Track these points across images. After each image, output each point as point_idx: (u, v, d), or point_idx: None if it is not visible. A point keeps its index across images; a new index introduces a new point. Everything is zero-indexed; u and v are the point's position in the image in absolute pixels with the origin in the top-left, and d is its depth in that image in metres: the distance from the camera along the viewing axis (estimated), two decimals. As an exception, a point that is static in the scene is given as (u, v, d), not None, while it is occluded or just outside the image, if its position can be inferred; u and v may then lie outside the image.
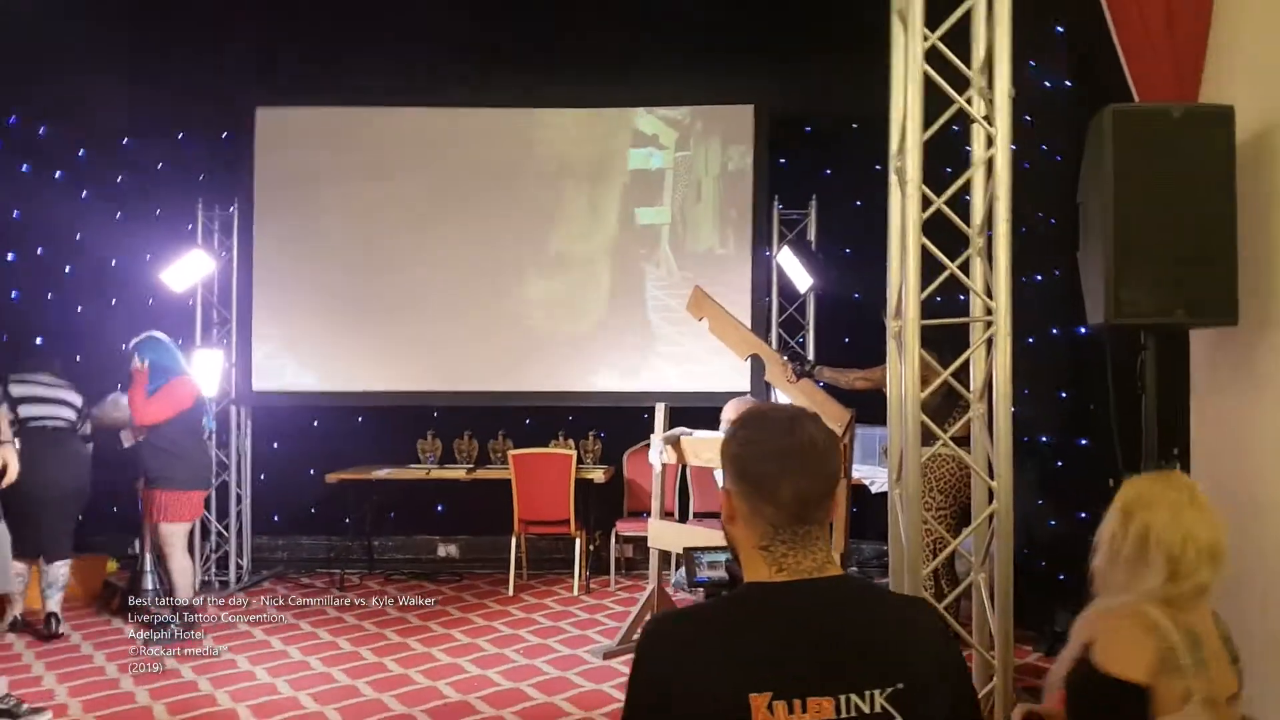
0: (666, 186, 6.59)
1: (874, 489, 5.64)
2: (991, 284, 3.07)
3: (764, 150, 6.38)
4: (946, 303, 3.55)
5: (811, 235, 6.47)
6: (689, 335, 6.41)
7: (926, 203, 3.08)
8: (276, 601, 5.67)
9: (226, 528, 6.53)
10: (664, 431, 4.91)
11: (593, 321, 6.63)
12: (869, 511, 5.92)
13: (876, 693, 1.23)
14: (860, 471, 5.77)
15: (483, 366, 6.63)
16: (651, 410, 5.04)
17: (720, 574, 1.69)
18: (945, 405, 3.86)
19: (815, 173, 6.63)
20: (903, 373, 3.07)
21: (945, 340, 3.39)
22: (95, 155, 6.81)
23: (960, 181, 3.14)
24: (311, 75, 6.57)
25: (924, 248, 3.02)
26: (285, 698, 4.25)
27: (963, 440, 3.29)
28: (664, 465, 4.88)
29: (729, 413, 4.62)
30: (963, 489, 4.18)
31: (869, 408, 5.52)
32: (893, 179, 3.18)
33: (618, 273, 6.62)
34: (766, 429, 1.36)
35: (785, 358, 4.63)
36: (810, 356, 6.30)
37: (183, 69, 6.29)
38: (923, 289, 3.02)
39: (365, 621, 5.45)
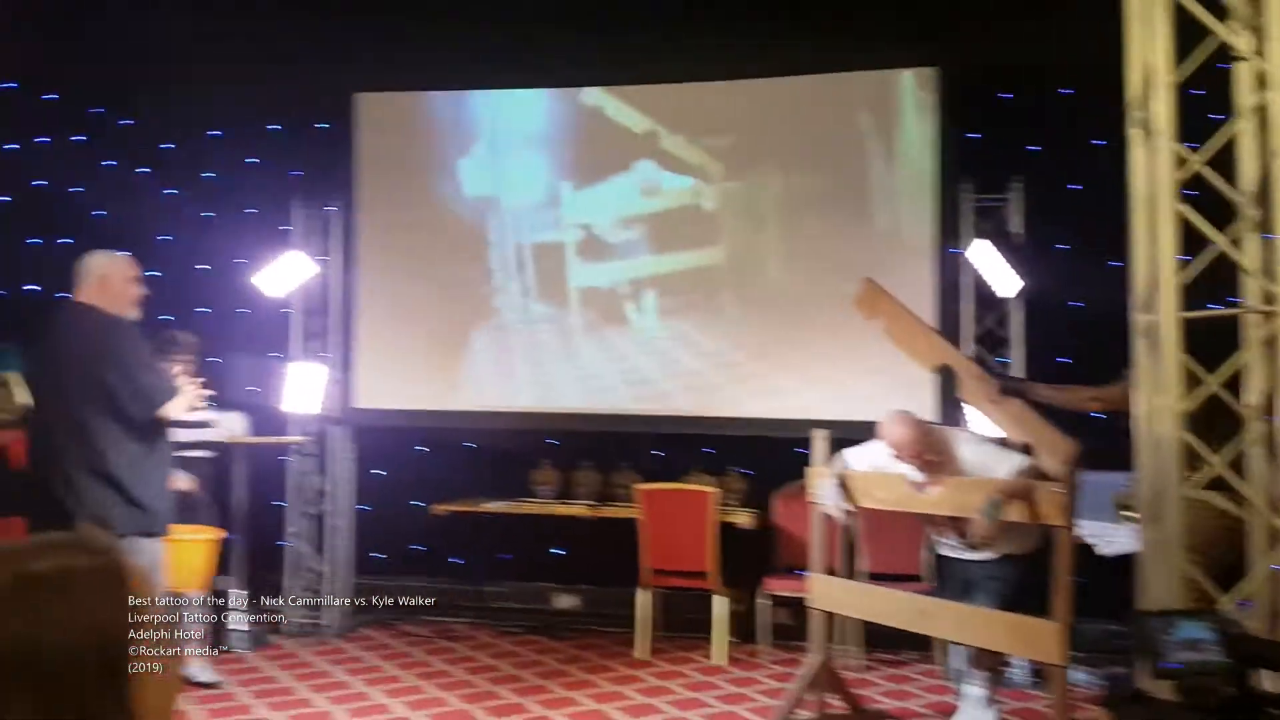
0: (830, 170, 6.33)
1: (1099, 550, 5.15)
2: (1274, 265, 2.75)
3: (949, 122, 6.07)
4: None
5: (1015, 226, 6.09)
6: (857, 357, 6.11)
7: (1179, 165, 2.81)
8: (378, 649, 5.75)
9: (322, 564, 6.62)
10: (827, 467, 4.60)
11: (747, 335, 6.41)
12: (1093, 582, 5.44)
13: None
14: (1084, 528, 5.29)
15: (607, 386, 6.56)
16: (806, 443, 4.78)
17: (1204, 656, 1.27)
18: (1201, 431, 3.49)
19: (1017, 149, 6.28)
20: (1158, 379, 2.78)
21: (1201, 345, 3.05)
22: (182, 149, 7.08)
23: (1224, 135, 2.85)
24: (418, 55, 6.64)
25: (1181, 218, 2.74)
26: (387, 760, 4.21)
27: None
28: (845, 512, 4.52)
29: (894, 432, 4.22)
30: (1220, 544, 3.78)
31: (1094, 449, 5.10)
32: (1135, 134, 2.92)
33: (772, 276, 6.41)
34: None
35: (986, 369, 4.27)
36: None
37: (274, 52, 6.46)
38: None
39: (476, 676, 5.43)
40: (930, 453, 4.15)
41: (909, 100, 6.17)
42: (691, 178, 6.51)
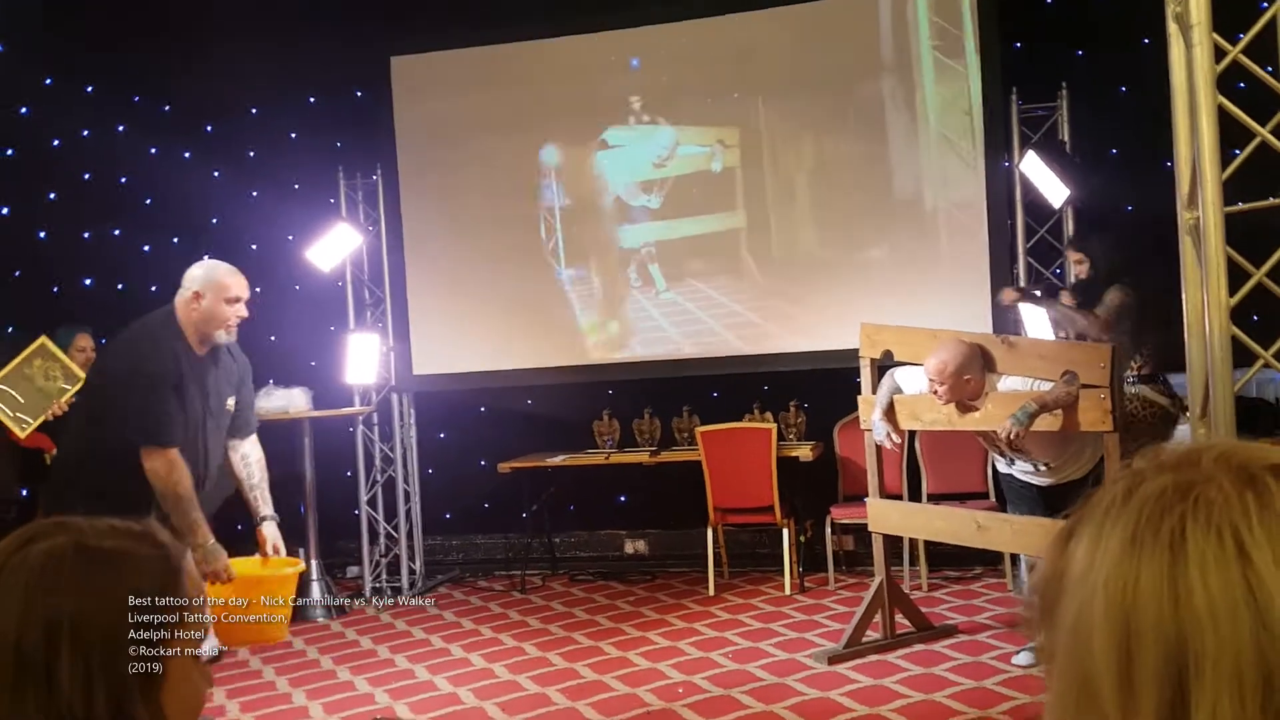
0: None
1: None
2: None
3: (994, 32, 5.96)
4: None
5: (1064, 135, 6.03)
6: (910, 276, 6.13)
7: (1219, 58, 2.80)
8: (455, 606, 5.91)
9: (395, 529, 6.80)
10: (875, 394, 4.66)
11: (799, 264, 6.44)
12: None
13: None
14: None
15: (659, 332, 6.62)
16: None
17: None
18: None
19: (1063, 57, 6.20)
20: (1204, 277, 2.80)
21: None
22: (223, 129, 7.13)
23: (1265, 19, 2.83)
24: (450, 11, 6.64)
25: (1222, 110, 2.74)
26: (470, 708, 4.39)
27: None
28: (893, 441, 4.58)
29: (943, 362, 4.20)
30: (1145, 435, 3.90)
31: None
32: (1172, 29, 2.91)
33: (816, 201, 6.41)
34: None
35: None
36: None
37: (306, 23, 6.49)
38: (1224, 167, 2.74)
39: (551, 625, 5.60)
40: (966, 394, 4.18)
41: (957, 13, 6.08)
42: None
